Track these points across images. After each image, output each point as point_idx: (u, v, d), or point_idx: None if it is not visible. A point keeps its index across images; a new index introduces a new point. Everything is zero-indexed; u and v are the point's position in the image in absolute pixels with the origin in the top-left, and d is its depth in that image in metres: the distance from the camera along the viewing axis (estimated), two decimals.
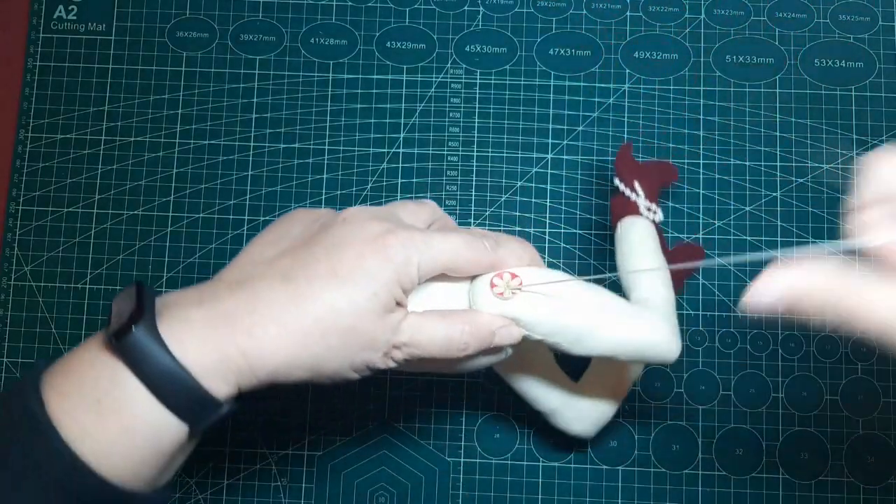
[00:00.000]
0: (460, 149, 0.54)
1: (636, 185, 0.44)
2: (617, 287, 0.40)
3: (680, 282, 0.43)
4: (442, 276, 0.36)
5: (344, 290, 0.32)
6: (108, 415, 0.30)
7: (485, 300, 0.36)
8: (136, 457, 0.31)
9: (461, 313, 0.35)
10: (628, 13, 0.56)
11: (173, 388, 0.30)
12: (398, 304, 0.34)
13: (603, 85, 0.55)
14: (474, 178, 0.54)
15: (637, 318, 0.37)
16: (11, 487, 0.29)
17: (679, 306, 0.52)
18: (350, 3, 0.56)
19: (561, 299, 0.36)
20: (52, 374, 0.31)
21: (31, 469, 0.29)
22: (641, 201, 0.44)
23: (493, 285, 0.36)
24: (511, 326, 0.36)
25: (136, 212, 0.54)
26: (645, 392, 0.51)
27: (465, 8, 0.56)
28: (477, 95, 0.55)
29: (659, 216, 0.44)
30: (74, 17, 0.56)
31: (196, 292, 0.33)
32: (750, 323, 0.52)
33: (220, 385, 0.31)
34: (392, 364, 0.34)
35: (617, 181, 0.45)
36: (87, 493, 0.30)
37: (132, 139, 0.55)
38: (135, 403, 0.30)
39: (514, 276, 0.36)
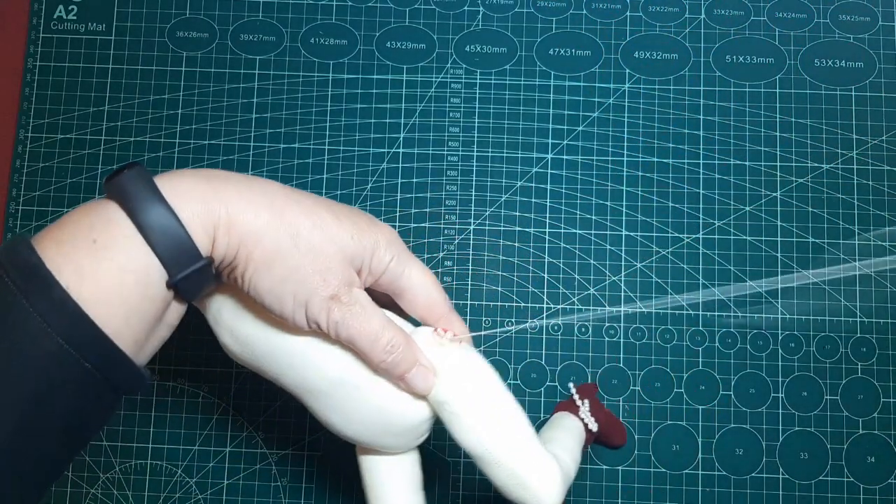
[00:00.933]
0: (460, 149, 0.54)
1: (587, 401, 0.47)
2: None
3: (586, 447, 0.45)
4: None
5: (333, 219, 0.35)
6: (102, 254, 0.31)
7: (422, 338, 0.38)
8: (128, 303, 0.31)
9: (402, 328, 0.37)
10: (628, 13, 0.56)
11: (160, 229, 0.31)
12: (359, 274, 0.36)
13: (603, 85, 0.55)
14: (474, 178, 0.54)
15: (537, 461, 0.37)
16: (11, 342, 0.29)
17: (679, 306, 0.52)
18: (350, 3, 0.56)
19: (489, 388, 0.37)
20: (45, 230, 0.32)
21: (29, 322, 0.29)
22: (584, 410, 0.46)
23: (435, 330, 0.38)
24: (430, 373, 0.37)
25: None
26: (645, 392, 0.51)
27: (465, 8, 0.56)
28: (477, 95, 0.55)
29: (593, 428, 0.46)
30: (74, 17, 0.56)
31: (194, 168, 0.35)
32: (750, 323, 0.52)
33: (199, 234, 0.32)
34: (323, 319, 0.35)
35: (573, 391, 0.47)
36: (84, 346, 0.30)
37: (132, 139, 0.55)
38: (127, 244, 0.31)
39: (455, 334, 0.38)
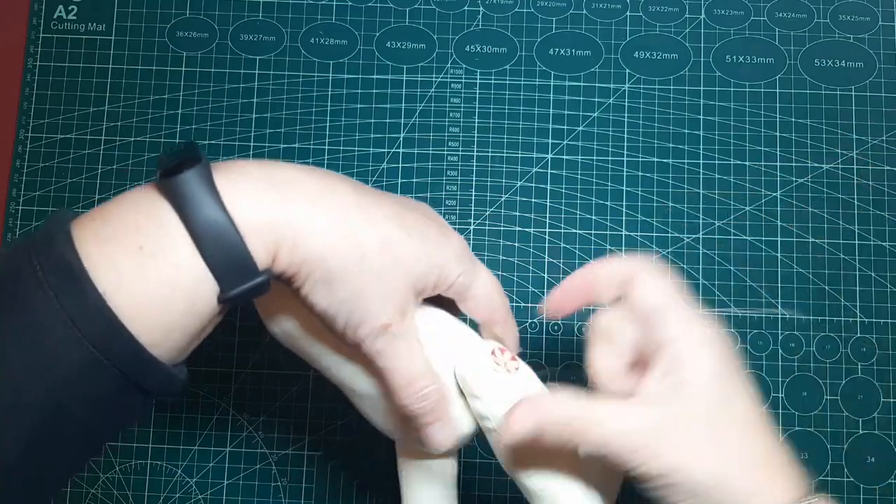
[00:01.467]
0: (460, 149, 0.54)
1: None
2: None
3: None
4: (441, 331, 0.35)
5: (403, 236, 0.32)
6: (148, 262, 0.28)
7: (481, 370, 0.34)
8: (170, 317, 0.28)
9: (440, 376, 0.34)
10: (628, 13, 0.56)
11: (216, 240, 0.28)
12: (422, 292, 0.33)
13: (603, 85, 0.55)
14: (474, 178, 0.54)
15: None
16: (32, 342, 0.27)
17: None
18: (350, 3, 0.56)
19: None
20: (87, 219, 0.29)
21: (57, 324, 0.27)
22: None
23: (493, 354, 0.35)
24: (450, 429, 0.34)
25: None
26: None
27: (465, 8, 0.56)
28: (477, 95, 0.55)
29: None
30: (74, 17, 0.56)
31: (259, 161, 0.31)
32: (750, 323, 0.52)
33: (259, 250, 0.29)
34: (368, 344, 0.32)
35: None
36: (115, 355, 0.27)
37: (132, 139, 0.55)
38: (177, 253, 0.28)
39: (512, 357, 0.35)
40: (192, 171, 0.28)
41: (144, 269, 0.28)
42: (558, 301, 0.35)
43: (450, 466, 0.38)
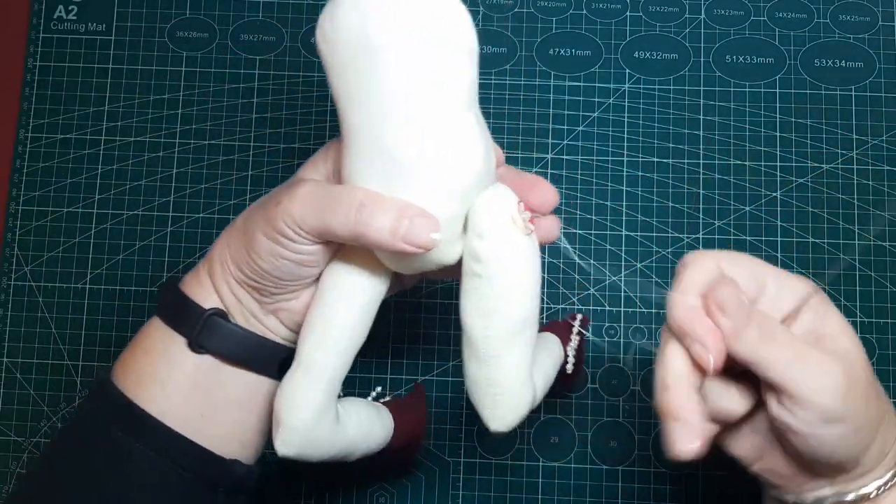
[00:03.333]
0: None
1: (577, 339, 0.44)
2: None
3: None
4: None
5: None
6: (152, 355, 0.36)
7: (499, 214, 0.31)
8: (145, 367, 0.35)
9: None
10: (628, 13, 0.56)
11: (169, 309, 0.36)
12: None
13: (603, 85, 0.55)
14: None
15: (518, 385, 0.33)
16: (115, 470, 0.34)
17: None
18: None
19: (532, 294, 0.32)
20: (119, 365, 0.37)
21: (124, 445, 0.34)
22: (573, 346, 0.43)
23: (519, 204, 0.32)
24: (426, 229, 0.31)
25: (136, 212, 0.54)
26: (645, 392, 0.51)
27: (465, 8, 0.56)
28: (477, 95, 0.55)
29: (569, 369, 0.42)
30: (74, 17, 0.56)
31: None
32: None
33: (200, 295, 0.36)
34: (282, 214, 0.33)
35: (577, 322, 0.44)
36: (177, 452, 0.34)
37: (132, 139, 0.55)
38: (161, 337, 0.36)
39: (532, 220, 0.32)
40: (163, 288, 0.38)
41: (150, 363, 0.35)
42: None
43: (383, 284, 0.34)
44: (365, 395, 0.52)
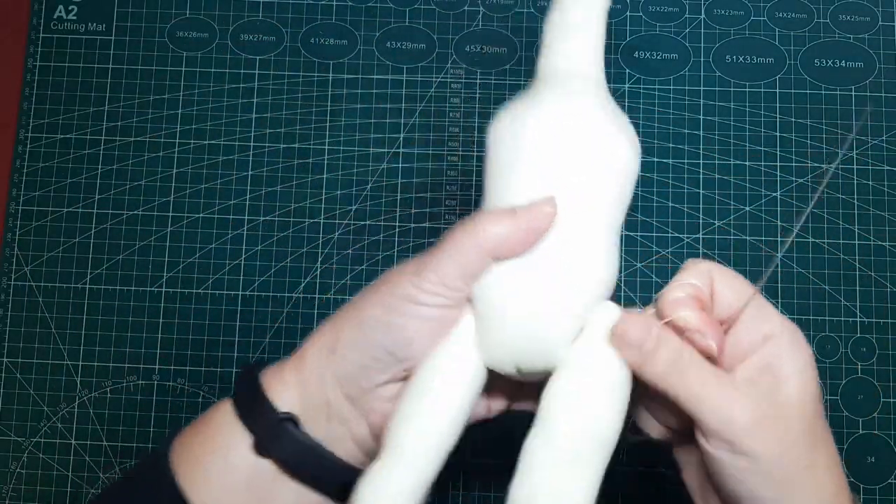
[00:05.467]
0: (460, 149, 0.54)
1: None
2: None
3: None
4: None
5: (366, 294, 0.34)
6: (213, 442, 0.33)
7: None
8: (217, 474, 0.32)
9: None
10: (628, 13, 0.56)
11: (244, 401, 0.34)
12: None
13: None
14: (474, 178, 0.54)
15: None
16: None
17: None
18: (350, 3, 0.56)
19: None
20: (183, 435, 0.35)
21: None
22: None
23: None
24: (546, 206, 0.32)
25: (136, 212, 0.54)
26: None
27: (465, 8, 0.56)
28: (477, 95, 0.55)
29: None
30: (74, 17, 0.56)
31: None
32: None
33: (282, 394, 0.33)
34: (411, 276, 0.32)
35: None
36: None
37: (132, 139, 0.55)
38: (223, 422, 0.34)
39: None
40: (243, 377, 0.35)
41: (202, 443, 0.34)
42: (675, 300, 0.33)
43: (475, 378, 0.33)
44: None
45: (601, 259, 0.32)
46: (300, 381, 0.33)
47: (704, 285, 0.32)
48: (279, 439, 0.32)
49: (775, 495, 0.30)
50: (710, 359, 0.31)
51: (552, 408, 0.31)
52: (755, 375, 0.31)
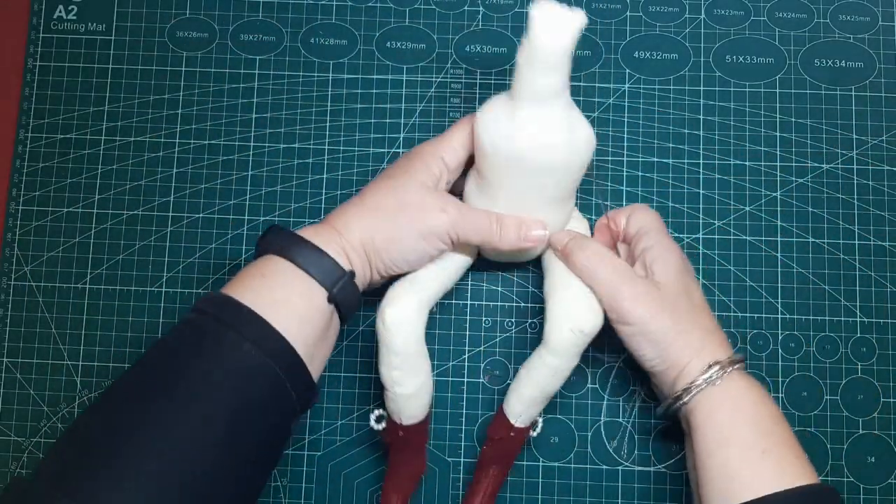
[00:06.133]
0: None
1: None
2: None
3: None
4: None
5: (393, 181, 0.44)
6: (271, 281, 0.40)
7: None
8: (297, 312, 0.40)
9: (499, 215, 0.46)
10: (628, 13, 0.56)
11: (311, 259, 0.41)
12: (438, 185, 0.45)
13: (603, 85, 0.55)
14: None
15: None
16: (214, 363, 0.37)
17: None
18: (350, 3, 0.56)
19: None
20: (229, 285, 0.41)
21: (227, 337, 0.38)
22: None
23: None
24: (538, 230, 0.46)
25: (136, 212, 0.54)
26: (646, 393, 0.51)
27: (465, 8, 0.56)
28: (477, 95, 0.55)
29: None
30: (74, 17, 0.56)
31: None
32: (750, 323, 0.52)
33: (338, 257, 0.42)
34: (445, 229, 0.44)
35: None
36: (271, 350, 0.38)
37: (132, 139, 0.55)
38: (288, 272, 0.41)
39: None
40: (275, 230, 0.43)
41: (270, 286, 0.40)
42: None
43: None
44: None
45: (560, 220, 0.47)
46: (347, 254, 0.43)
47: (624, 219, 0.48)
48: (345, 291, 0.41)
49: (654, 352, 0.43)
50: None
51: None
52: (639, 270, 0.45)
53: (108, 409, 0.37)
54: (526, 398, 0.45)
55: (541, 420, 0.47)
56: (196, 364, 0.37)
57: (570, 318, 0.44)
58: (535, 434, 0.47)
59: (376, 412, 0.46)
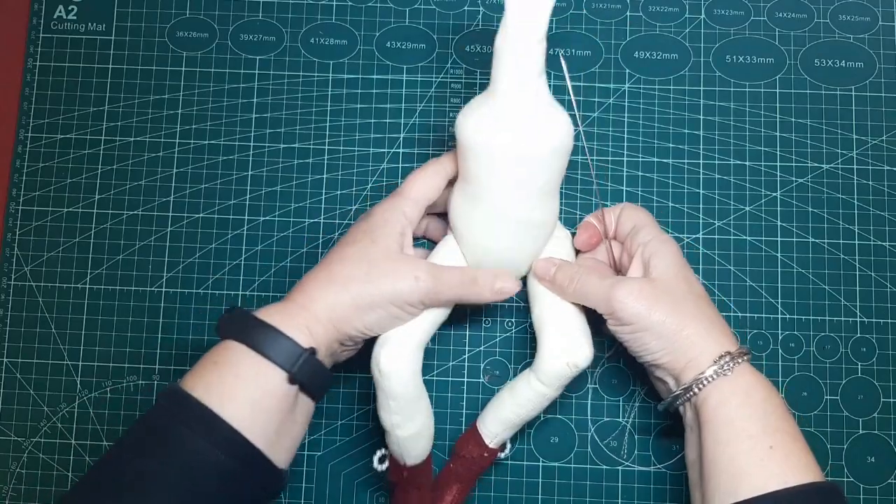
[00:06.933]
0: None
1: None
2: None
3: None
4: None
5: (357, 246, 0.43)
6: (222, 369, 0.39)
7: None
8: (249, 399, 0.39)
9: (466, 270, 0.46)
10: (628, 13, 0.56)
11: (265, 340, 0.40)
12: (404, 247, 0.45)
13: (603, 85, 0.55)
14: None
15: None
16: (162, 453, 0.37)
17: None
18: (350, 3, 0.56)
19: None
20: (182, 378, 0.40)
21: (175, 431, 0.38)
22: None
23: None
24: (511, 283, 0.46)
25: (136, 212, 0.54)
26: (645, 393, 0.51)
27: (465, 8, 0.56)
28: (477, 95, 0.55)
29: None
30: (74, 17, 0.56)
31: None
32: (750, 323, 0.52)
33: (297, 336, 0.40)
34: (419, 297, 0.43)
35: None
36: (220, 439, 0.37)
37: (132, 139, 0.55)
38: (240, 357, 0.40)
39: None
40: (230, 314, 0.42)
41: (221, 373, 0.39)
42: (584, 240, 0.48)
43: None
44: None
45: (547, 217, 0.47)
46: (309, 328, 0.41)
47: (614, 217, 0.48)
48: (307, 369, 0.40)
49: (658, 344, 0.42)
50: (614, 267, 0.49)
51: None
52: (636, 266, 0.45)
53: None
54: (505, 420, 0.46)
55: (510, 444, 0.48)
56: (147, 464, 0.37)
57: (567, 352, 0.44)
58: (503, 455, 0.47)
59: (379, 453, 0.46)
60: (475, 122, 0.43)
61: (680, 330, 0.42)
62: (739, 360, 0.41)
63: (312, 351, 0.41)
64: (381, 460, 0.46)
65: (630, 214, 0.47)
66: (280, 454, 0.40)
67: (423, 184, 0.46)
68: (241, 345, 0.40)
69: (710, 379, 0.41)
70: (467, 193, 0.45)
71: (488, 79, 0.55)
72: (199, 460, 0.37)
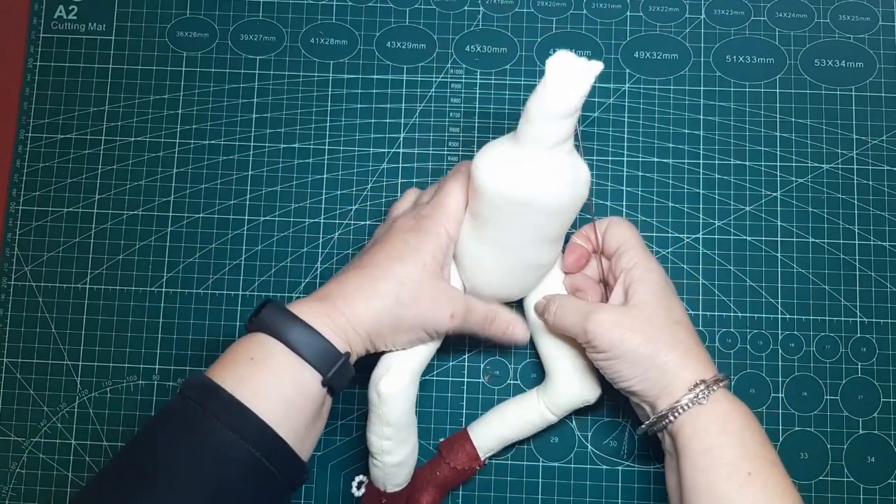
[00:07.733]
0: (460, 149, 0.54)
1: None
2: None
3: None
4: None
5: (406, 267, 0.43)
6: (259, 365, 0.39)
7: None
8: (283, 397, 0.39)
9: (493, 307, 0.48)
10: (628, 13, 0.56)
11: (304, 341, 0.40)
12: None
13: (603, 85, 0.55)
14: None
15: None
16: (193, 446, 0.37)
17: None
18: (350, 3, 0.56)
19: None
20: (212, 365, 0.40)
21: (204, 422, 0.37)
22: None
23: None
24: (522, 333, 0.48)
25: (136, 212, 0.54)
26: None
27: (465, 8, 0.56)
28: (477, 95, 0.55)
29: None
30: (74, 17, 0.56)
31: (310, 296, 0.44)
32: (750, 323, 0.52)
33: (335, 341, 0.41)
34: (448, 329, 0.45)
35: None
36: (251, 435, 0.37)
37: (132, 139, 0.55)
38: (279, 356, 0.39)
39: None
40: (269, 307, 0.41)
41: (257, 370, 0.39)
42: (571, 262, 0.48)
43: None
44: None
45: (552, 259, 0.48)
46: (348, 338, 0.42)
47: (601, 233, 0.48)
48: (342, 374, 0.41)
49: (632, 371, 0.43)
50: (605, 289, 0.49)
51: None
52: (618, 291, 0.46)
53: (94, 501, 0.37)
54: (504, 439, 0.48)
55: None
56: (175, 454, 0.37)
57: (585, 390, 0.47)
58: (480, 467, 0.49)
59: (357, 479, 0.48)
60: (501, 171, 0.42)
61: (653, 358, 0.42)
62: (715, 388, 0.41)
63: (348, 355, 0.41)
64: (360, 486, 0.48)
65: (615, 233, 0.47)
66: (305, 450, 0.41)
67: (461, 199, 0.45)
68: (278, 342, 0.40)
69: (685, 407, 0.41)
70: (476, 230, 0.45)
71: (489, 79, 0.56)
72: (229, 453, 0.37)
